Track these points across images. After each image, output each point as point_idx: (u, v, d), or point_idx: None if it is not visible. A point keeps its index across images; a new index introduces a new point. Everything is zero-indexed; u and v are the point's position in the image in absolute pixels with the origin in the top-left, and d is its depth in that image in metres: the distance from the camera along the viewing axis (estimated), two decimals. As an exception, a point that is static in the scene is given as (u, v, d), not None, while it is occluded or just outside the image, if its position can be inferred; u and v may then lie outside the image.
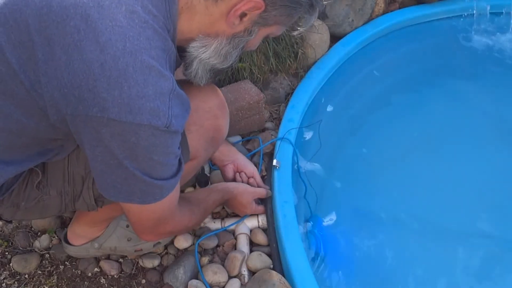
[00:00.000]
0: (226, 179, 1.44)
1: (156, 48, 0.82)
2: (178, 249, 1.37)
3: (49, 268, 1.35)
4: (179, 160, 0.94)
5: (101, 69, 0.78)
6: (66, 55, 0.78)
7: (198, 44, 0.94)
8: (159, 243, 1.32)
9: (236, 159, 1.44)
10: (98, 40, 0.78)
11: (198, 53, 0.95)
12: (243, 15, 0.89)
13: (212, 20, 0.90)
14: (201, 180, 1.46)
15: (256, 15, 0.90)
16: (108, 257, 1.36)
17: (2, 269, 1.35)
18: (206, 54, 0.95)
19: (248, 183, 1.42)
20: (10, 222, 1.44)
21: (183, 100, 0.89)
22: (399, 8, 2.23)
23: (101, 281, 1.32)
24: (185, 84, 1.02)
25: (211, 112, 1.13)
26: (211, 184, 1.50)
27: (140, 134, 0.82)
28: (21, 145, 0.94)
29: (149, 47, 0.81)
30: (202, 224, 1.40)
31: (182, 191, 1.50)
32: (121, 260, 1.36)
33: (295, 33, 1.40)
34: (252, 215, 1.42)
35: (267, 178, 1.52)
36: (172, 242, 1.37)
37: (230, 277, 1.30)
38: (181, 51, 0.96)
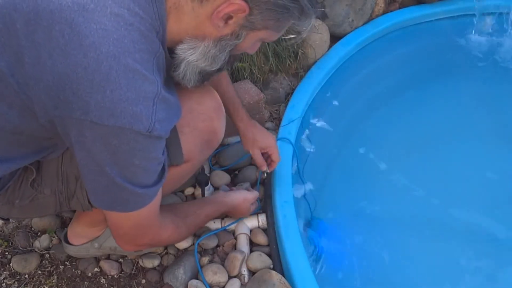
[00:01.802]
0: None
1: (141, 51, 0.82)
2: (178, 249, 1.37)
3: (49, 268, 1.35)
4: (162, 167, 0.93)
5: (85, 73, 0.78)
6: (52, 59, 0.79)
7: (186, 46, 0.93)
8: (158, 243, 1.32)
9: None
10: (82, 43, 0.78)
11: (185, 55, 0.94)
12: (228, 17, 0.88)
13: (198, 22, 0.89)
14: (201, 180, 1.45)
15: (242, 18, 0.88)
16: (108, 257, 1.36)
17: (2, 269, 1.35)
18: (193, 57, 0.94)
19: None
20: (9, 220, 1.44)
21: (170, 105, 0.88)
22: (399, 8, 2.23)
23: (101, 281, 1.32)
24: (180, 85, 1.01)
25: (206, 114, 1.12)
26: (210, 184, 1.50)
27: (122, 138, 0.81)
28: (17, 143, 0.94)
29: (134, 50, 0.80)
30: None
31: (182, 191, 1.50)
32: (121, 260, 1.36)
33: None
34: (251, 214, 1.42)
35: (267, 179, 1.52)
36: (172, 242, 1.38)
37: (230, 277, 1.30)
38: (172, 53, 0.95)
